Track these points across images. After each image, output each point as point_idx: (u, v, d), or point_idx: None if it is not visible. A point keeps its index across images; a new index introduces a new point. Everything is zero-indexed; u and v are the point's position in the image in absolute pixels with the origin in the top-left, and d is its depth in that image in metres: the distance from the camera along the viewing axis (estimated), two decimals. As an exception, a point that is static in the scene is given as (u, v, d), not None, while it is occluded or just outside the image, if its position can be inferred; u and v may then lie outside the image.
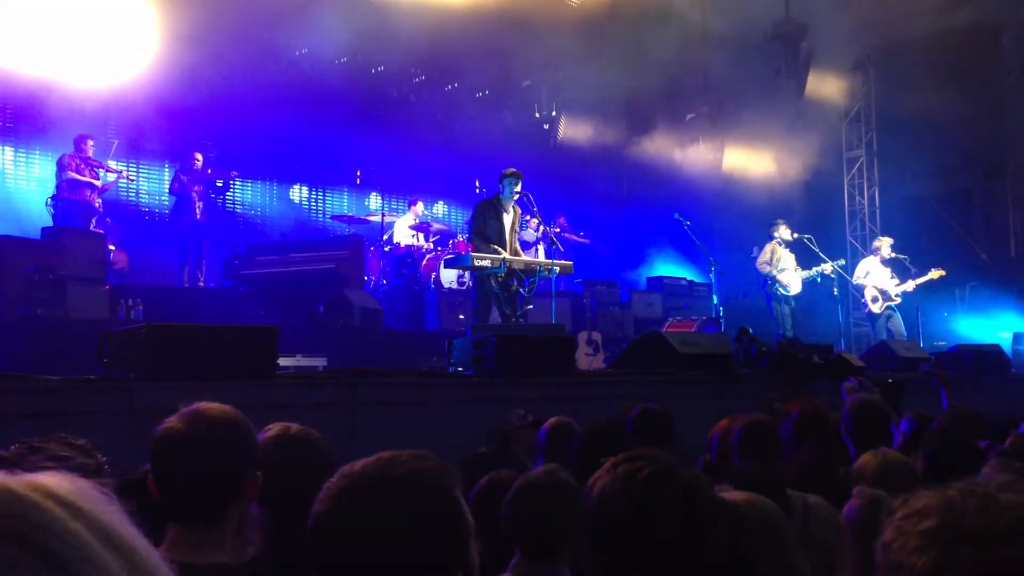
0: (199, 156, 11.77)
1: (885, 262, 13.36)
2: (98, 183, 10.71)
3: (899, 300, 13.15)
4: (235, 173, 12.21)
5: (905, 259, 14.02)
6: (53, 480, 0.77)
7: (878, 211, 17.72)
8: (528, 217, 10.48)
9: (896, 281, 13.22)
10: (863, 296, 13.50)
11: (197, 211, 11.51)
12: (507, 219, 9.54)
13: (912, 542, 1.11)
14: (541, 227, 11.18)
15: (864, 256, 15.62)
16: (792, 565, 2.55)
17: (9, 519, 0.70)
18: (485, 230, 9.35)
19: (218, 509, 2.13)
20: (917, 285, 13.09)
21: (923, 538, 1.10)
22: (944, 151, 16.61)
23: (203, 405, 2.23)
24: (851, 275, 13.93)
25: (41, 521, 0.71)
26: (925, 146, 16.35)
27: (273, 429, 2.57)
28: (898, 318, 13.10)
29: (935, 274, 12.98)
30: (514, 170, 9.59)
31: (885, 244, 13.46)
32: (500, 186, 9.56)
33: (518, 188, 9.46)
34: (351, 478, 1.47)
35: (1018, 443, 4.12)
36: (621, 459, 1.74)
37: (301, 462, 2.48)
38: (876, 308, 13.25)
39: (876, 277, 13.28)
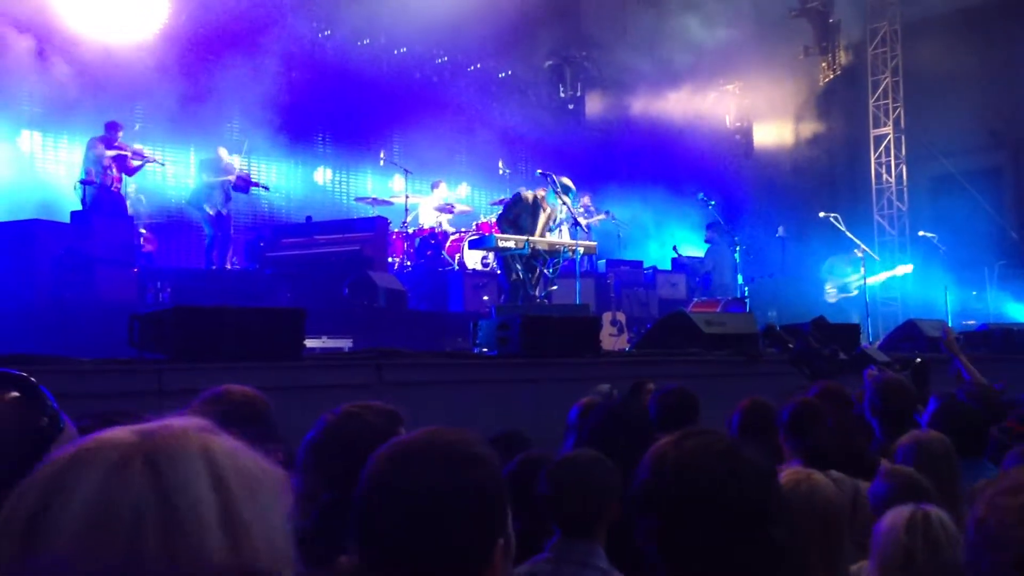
0: (223, 151, 11.81)
1: (850, 261, 14.08)
2: (131, 163, 10.81)
3: (856, 293, 13.81)
4: (256, 180, 12.31)
5: (933, 237, 13.90)
6: (226, 445, 0.86)
7: (905, 189, 17.52)
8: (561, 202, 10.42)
9: (858, 275, 13.76)
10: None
11: (219, 202, 11.54)
12: (542, 217, 9.66)
13: (1010, 516, 1.15)
14: (565, 207, 11.17)
15: (890, 234, 15.54)
16: (839, 556, 2.55)
17: (164, 453, 0.82)
18: (517, 221, 9.48)
19: None
20: (879, 280, 13.75)
21: (1021, 512, 1.13)
22: (973, 128, 16.40)
23: (226, 388, 2.26)
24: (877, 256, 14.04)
25: (181, 467, 0.82)
26: (954, 123, 16.14)
27: (344, 407, 2.61)
28: None
29: (901, 270, 13.32)
30: (571, 183, 9.85)
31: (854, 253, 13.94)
32: (543, 179, 9.64)
33: (568, 200, 9.62)
34: (398, 445, 1.52)
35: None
36: (684, 435, 1.75)
37: (361, 438, 2.52)
38: (830, 299, 14.29)
39: (838, 272, 14.35)
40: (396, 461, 1.48)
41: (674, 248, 14.02)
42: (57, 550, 0.78)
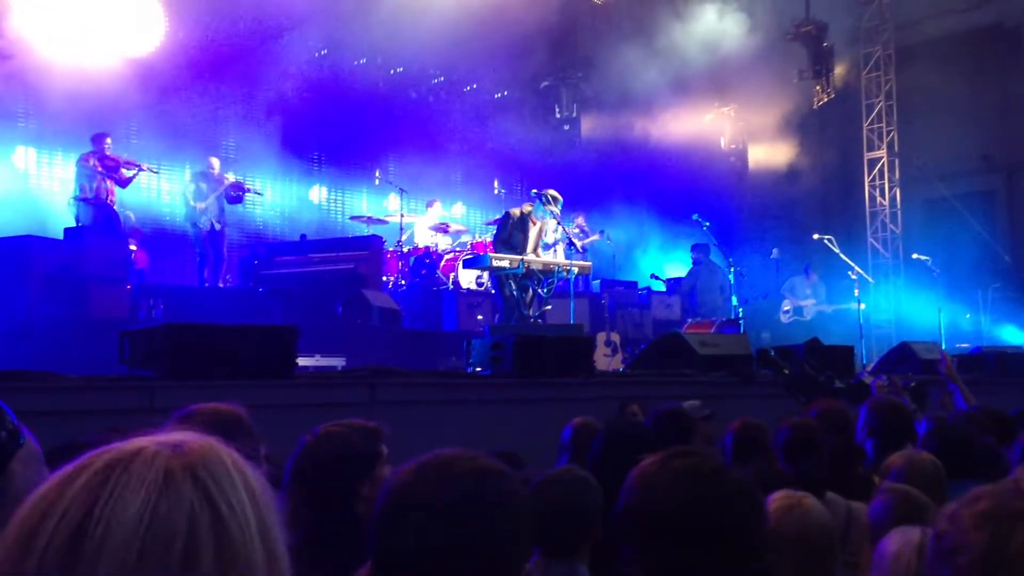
0: (215, 161, 11.76)
1: (811, 285, 14.59)
2: (124, 173, 10.74)
3: (809, 317, 14.29)
4: (249, 185, 12.21)
5: (927, 260, 13.95)
6: (242, 460, 0.89)
7: (899, 212, 17.58)
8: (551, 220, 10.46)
9: (814, 302, 14.46)
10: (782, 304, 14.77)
11: (214, 215, 11.50)
12: (532, 231, 9.73)
13: (967, 523, 1.18)
14: (560, 228, 11.18)
15: (884, 256, 15.57)
16: None
17: (204, 468, 0.83)
18: (510, 240, 9.58)
19: None
20: (830, 309, 14.33)
21: (978, 518, 1.17)
22: (966, 152, 16.48)
23: (197, 407, 2.24)
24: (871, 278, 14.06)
25: (223, 482, 0.83)
26: (947, 147, 16.22)
27: (324, 427, 2.58)
28: None
29: (855, 306, 13.87)
30: (557, 194, 9.88)
31: (813, 276, 14.71)
32: (535, 198, 9.74)
33: (556, 211, 9.69)
34: (420, 462, 1.48)
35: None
36: (673, 454, 1.74)
37: (341, 458, 2.50)
38: (784, 319, 14.44)
39: (798, 293, 14.63)
40: (420, 475, 1.45)
41: (652, 276, 14.11)
42: (107, 568, 0.76)
